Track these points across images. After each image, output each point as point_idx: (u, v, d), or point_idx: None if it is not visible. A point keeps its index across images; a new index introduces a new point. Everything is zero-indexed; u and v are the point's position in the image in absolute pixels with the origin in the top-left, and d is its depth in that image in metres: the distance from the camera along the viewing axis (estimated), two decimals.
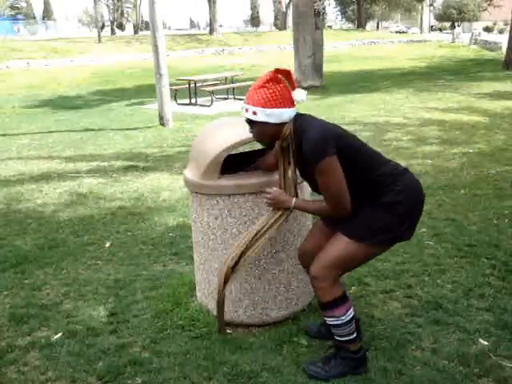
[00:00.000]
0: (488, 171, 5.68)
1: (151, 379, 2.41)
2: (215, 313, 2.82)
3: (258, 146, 2.63)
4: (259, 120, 2.18)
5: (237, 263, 2.46)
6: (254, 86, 2.20)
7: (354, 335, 2.34)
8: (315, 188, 2.32)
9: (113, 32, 43.21)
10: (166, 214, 4.74)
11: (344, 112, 10.13)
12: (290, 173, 2.35)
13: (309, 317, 2.84)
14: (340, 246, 2.24)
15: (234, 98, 13.02)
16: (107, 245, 4.10)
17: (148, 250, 3.99)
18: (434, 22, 57.48)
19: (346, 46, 30.62)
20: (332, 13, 61.51)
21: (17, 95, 15.71)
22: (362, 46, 31.45)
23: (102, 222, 4.63)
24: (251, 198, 2.60)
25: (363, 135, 7.69)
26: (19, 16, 57.11)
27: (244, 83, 13.35)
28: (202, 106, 11.96)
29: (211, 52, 28.49)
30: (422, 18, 52.45)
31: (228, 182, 2.62)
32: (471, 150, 6.65)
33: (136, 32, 42.60)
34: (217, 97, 12.71)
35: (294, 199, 2.34)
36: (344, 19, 61.63)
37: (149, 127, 9.44)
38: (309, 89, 14.25)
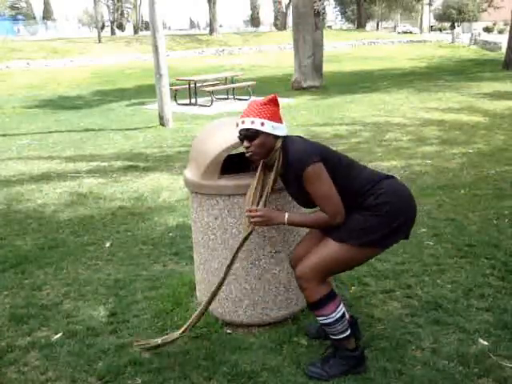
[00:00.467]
0: (488, 171, 5.68)
1: (151, 379, 2.42)
2: (215, 313, 2.83)
3: None
4: (266, 131, 2.28)
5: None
6: (255, 102, 2.33)
7: (348, 332, 2.36)
8: (305, 203, 2.39)
9: (113, 32, 43.18)
10: (165, 214, 4.74)
11: (344, 112, 10.11)
12: (268, 188, 2.41)
13: (309, 317, 2.84)
14: (326, 248, 2.30)
15: (234, 98, 13.03)
16: (107, 245, 4.10)
17: (148, 250, 3.99)
18: (433, 22, 57.48)
19: (345, 46, 30.65)
20: (332, 13, 61.68)
21: (17, 95, 15.72)
22: (362, 46, 31.47)
23: (102, 222, 4.63)
24: None
25: (363, 135, 7.71)
26: (19, 16, 57.08)
27: (244, 83, 13.39)
28: (201, 106, 11.97)
29: (211, 52, 28.53)
30: (421, 18, 52.46)
31: (228, 182, 2.62)
32: (471, 150, 6.65)
33: (136, 32, 42.64)
34: (217, 97, 12.71)
35: (287, 214, 2.35)
36: (344, 19, 61.69)
37: (149, 127, 9.45)
38: (309, 89, 14.30)
